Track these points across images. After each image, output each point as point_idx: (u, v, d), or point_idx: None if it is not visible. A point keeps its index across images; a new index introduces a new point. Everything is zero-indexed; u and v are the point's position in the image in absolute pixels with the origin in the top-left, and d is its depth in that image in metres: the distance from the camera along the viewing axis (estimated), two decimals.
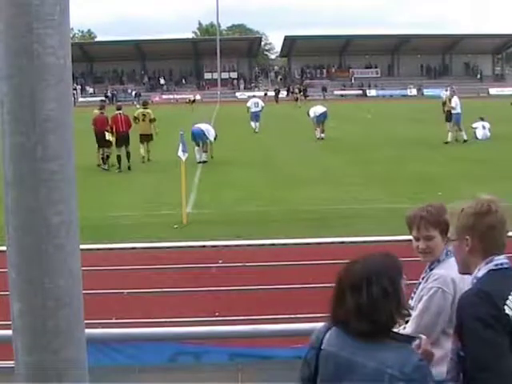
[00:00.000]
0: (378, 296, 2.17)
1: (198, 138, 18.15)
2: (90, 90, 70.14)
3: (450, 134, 22.04)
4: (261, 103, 28.98)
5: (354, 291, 2.21)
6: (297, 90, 56.20)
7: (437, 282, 3.00)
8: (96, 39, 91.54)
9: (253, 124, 28.40)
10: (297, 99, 51.54)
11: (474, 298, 2.29)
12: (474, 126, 23.40)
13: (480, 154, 18.91)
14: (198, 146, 18.25)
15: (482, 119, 23.48)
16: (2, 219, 1.49)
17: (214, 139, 18.68)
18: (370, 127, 29.39)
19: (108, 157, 17.80)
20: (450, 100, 22.82)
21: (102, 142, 17.71)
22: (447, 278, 2.96)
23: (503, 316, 2.22)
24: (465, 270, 2.50)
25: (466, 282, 2.64)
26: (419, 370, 2.14)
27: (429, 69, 76.19)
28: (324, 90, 63.69)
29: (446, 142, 21.72)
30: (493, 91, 67.50)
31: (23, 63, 1.41)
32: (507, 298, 2.26)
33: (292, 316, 5.79)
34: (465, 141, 21.88)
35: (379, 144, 22.05)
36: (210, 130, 18.59)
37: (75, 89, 61.08)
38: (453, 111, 22.11)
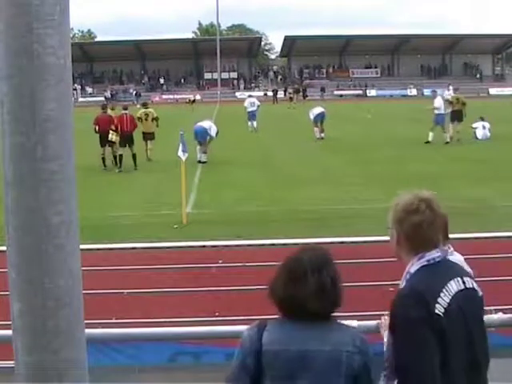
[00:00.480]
0: (334, 278, 2.29)
1: (200, 136, 18.15)
2: (90, 90, 70.14)
3: (446, 134, 22.00)
4: (257, 102, 29.10)
5: (316, 272, 2.28)
6: (291, 90, 55.50)
7: None
8: (96, 39, 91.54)
9: (250, 123, 28.52)
10: (291, 99, 50.81)
11: (405, 299, 2.31)
12: (474, 125, 23.33)
13: (480, 154, 18.89)
14: (200, 145, 18.28)
15: (482, 119, 23.41)
16: (2, 219, 1.49)
17: (216, 135, 18.69)
18: (370, 127, 29.36)
19: (115, 157, 17.78)
20: (455, 99, 22.69)
21: (105, 142, 17.69)
22: None
23: (433, 316, 2.24)
24: (397, 257, 2.52)
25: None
26: (365, 342, 2.30)
27: (429, 69, 76.15)
28: (322, 90, 63.60)
29: (447, 142, 21.73)
30: (493, 91, 67.47)
31: (23, 63, 1.41)
32: (439, 296, 2.27)
33: None
34: (427, 142, 21.63)
35: (379, 144, 22.04)
36: (212, 126, 18.66)
37: (75, 89, 61.11)
38: (436, 111, 21.96)
